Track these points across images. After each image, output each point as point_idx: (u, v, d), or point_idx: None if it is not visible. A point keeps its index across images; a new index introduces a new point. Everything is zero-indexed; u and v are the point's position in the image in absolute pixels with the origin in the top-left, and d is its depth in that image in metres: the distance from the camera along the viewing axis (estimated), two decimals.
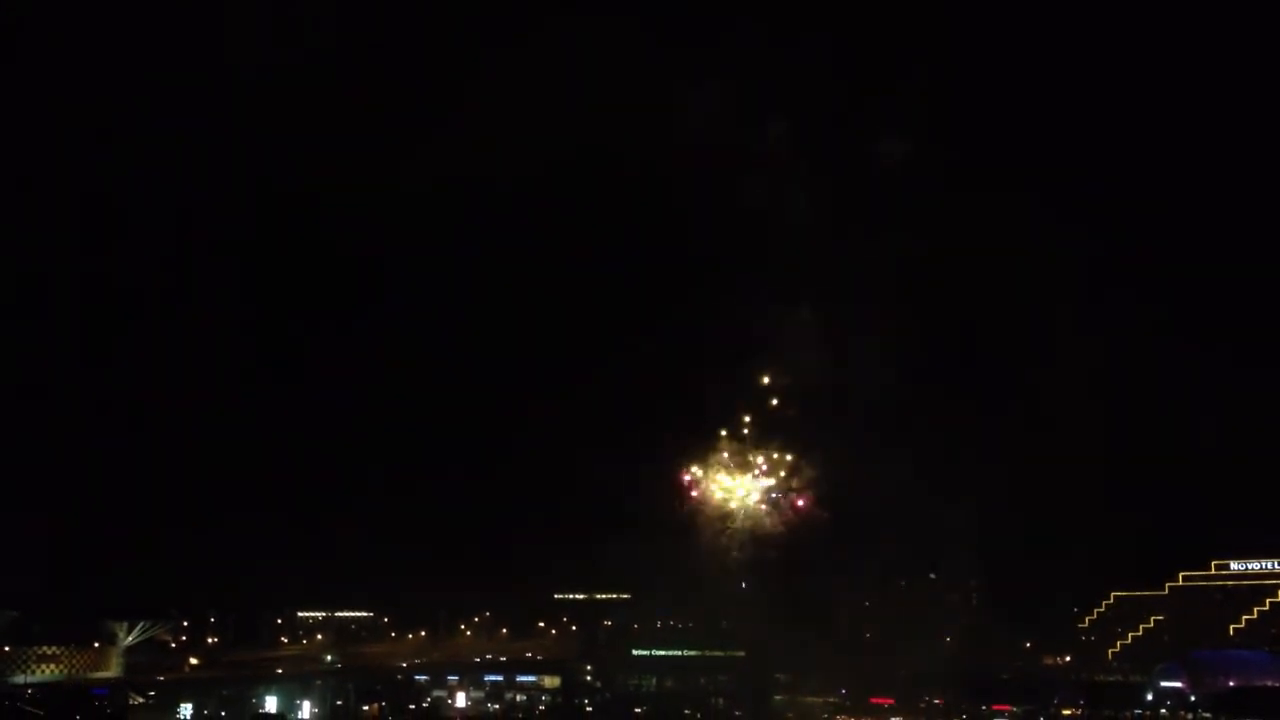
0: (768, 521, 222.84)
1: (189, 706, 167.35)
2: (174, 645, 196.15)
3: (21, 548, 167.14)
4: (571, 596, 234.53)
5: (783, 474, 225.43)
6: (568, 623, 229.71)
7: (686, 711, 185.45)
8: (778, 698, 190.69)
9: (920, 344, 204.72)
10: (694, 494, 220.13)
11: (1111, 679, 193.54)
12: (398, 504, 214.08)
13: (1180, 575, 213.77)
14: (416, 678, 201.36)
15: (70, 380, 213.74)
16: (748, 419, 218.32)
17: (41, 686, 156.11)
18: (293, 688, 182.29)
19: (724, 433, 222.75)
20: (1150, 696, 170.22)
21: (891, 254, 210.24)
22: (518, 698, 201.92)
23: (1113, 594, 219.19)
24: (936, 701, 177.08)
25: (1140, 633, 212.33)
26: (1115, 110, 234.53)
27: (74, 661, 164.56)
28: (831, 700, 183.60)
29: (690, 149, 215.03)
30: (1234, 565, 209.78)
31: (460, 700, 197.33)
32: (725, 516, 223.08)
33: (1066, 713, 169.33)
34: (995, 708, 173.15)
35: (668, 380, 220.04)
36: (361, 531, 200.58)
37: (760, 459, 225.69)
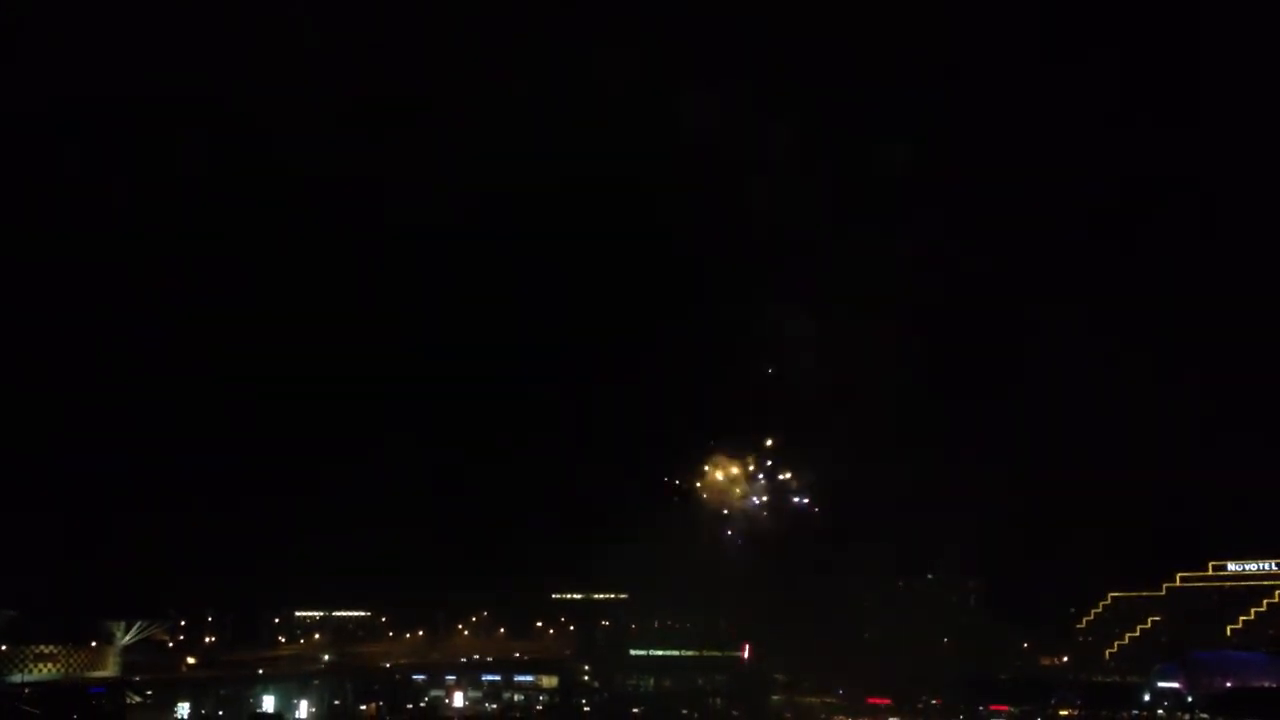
0: (766, 522, 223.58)
1: (186, 706, 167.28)
2: (171, 645, 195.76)
3: (19, 547, 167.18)
4: (569, 596, 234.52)
5: (782, 475, 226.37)
6: (565, 623, 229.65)
7: (684, 711, 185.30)
8: (775, 698, 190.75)
9: (920, 346, 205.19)
10: (692, 495, 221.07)
11: (1109, 679, 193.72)
12: (396, 504, 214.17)
13: (1178, 576, 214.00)
14: (414, 677, 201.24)
15: (68, 379, 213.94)
16: (748, 420, 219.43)
17: (39, 685, 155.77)
18: (290, 687, 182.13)
19: (724, 434, 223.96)
20: (1147, 697, 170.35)
21: (894, 256, 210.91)
22: (515, 697, 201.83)
23: (1110, 594, 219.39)
24: (934, 702, 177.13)
25: (1138, 633, 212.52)
26: (1116, 110, 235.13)
27: (71, 661, 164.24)
28: (829, 700, 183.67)
29: (691, 150, 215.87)
30: (1231, 566, 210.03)
31: (458, 700, 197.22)
32: (724, 517, 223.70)
33: (1064, 713, 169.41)
34: (993, 708, 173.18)
35: (668, 380, 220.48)
36: (359, 531, 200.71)
37: (759, 460, 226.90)
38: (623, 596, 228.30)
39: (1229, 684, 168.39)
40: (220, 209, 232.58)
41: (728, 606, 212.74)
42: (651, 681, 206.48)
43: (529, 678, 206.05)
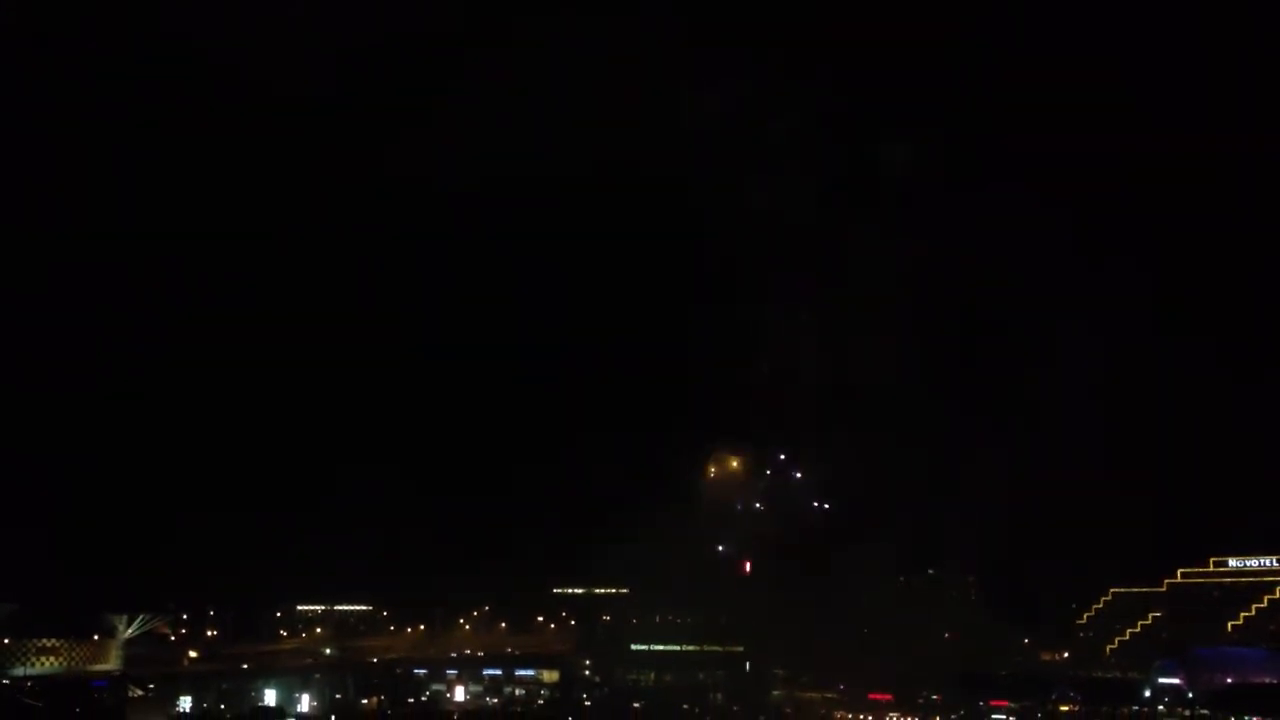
0: (767, 519, 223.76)
1: (188, 699, 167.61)
2: (173, 638, 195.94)
3: (22, 541, 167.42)
4: (570, 591, 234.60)
5: (783, 472, 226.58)
6: (566, 617, 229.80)
7: (685, 706, 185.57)
8: (776, 693, 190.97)
9: (921, 343, 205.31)
10: (693, 491, 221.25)
11: (1109, 675, 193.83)
12: (397, 498, 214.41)
13: (1178, 572, 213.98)
14: (415, 672, 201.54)
15: (68, 376, 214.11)
16: (749, 417, 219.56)
17: (41, 679, 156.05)
18: (292, 681, 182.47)
19: (725, 431, 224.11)
20: (1148, 693, 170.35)
21: (895, 255, 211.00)
22: (516, 692, 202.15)
23: (1111, 590, 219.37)
24: (934, 697, 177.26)
25: (1138, 629, 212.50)
26: (1119, 111, 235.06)
27: (73, 654, 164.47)
28: (830, 696, 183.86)
29: (695, 150, 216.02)
30: (1232, 562, 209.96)
31: (459, 694, 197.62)
32: (725, 513, 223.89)
33: (1064, 709, 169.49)
34: (993, 704, 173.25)
35: (670, 378, 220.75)
36: (361, 525, 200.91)
37: (760, 457, 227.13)
38: (624, 591, 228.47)
39: (1229, 680, 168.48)
40: (221, 208, 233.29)
41: (728, 602, 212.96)
42: (652, 676, 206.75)
43: (530, 672, 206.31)
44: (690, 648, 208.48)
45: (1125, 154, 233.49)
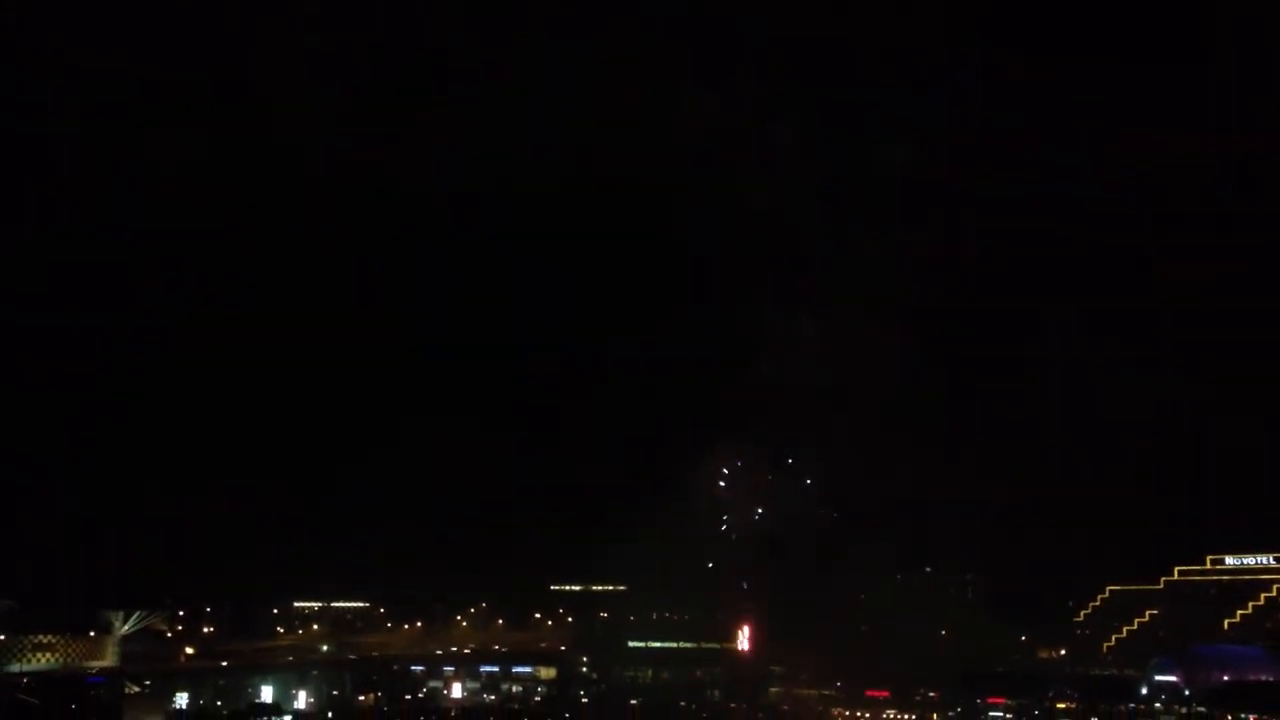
0: (765, 517, 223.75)
1: (184, 696, 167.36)
2: (170, 635, 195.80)
3: (18, 537, 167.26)
4: (568, 588, 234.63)
5: (782, 471, 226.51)
6: (564, 614, 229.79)
7: (682, 703, 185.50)
8: (773, 690, 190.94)
9: (920, 342, 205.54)
10: (692, 488, 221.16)
11: (1106, 673, 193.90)
12: (395, 495, 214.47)
13: (1176, 570, 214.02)
14: (412, 668, 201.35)
15: (65, 371, 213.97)
16: (748, 416, 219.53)
17: (37, 675, 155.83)
18: (289, 678, 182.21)
19: (724, 429, 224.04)
20: (1145, 691, 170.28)
21: (894, 255, 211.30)
22: (514, 688, 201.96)
23: (1108, 588, 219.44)
24: (932, 695, 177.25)
25: (1135, 627, 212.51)
26: (1121, 110, 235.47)
27: (70, 650, 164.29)
28: (827, 693, 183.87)
29: (693, 148, 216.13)
30: (1229, 560, 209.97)
31: (456, 691, 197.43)
32: (723, 511, 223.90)
33: (1061, 706, 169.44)
34: (990, 701, 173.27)
35: (669, 376, 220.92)
36: (358, 522, 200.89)
37: (760, 456, 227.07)
38: (621, 588, 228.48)
39: (1226, 678, 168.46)
40: (221, 207, 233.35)
41: (726, 599, 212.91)
42: (650, 673, 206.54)
43: (527, 669, 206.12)
44: (688, 645, 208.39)
45: (1123, 153, 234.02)
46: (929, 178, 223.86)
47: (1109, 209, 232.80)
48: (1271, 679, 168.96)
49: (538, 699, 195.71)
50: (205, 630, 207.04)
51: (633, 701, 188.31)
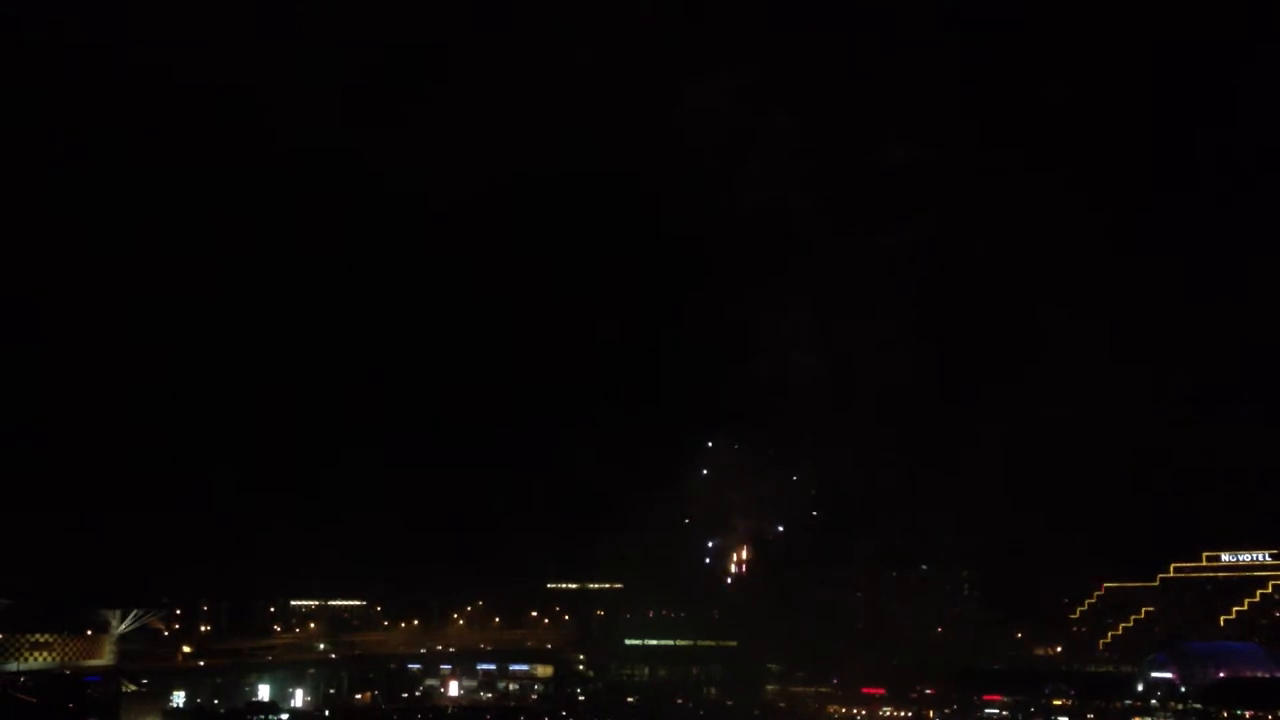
0: (762, 514, 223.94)
1: (181, 694, 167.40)
2: (167, 634, 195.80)
3: (15, 536, 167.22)
4: (565, 586, 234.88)
5: (778, 468, 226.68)
6: (560, 612, 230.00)
7: (679, 701, 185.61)
8: (769, 687, 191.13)
9: (917, 340, 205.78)
10: (689, 486, 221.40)
11: (1102, 670, 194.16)
12: (392, 494, 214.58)
13: (1171, 567, 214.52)
14: (409, 667, 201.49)
15: (61, 371, 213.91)
16: (746, 412, 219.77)
17: (34, 674, 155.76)
18: (286, 676, 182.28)
19: (721, 426, 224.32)
20: (1140, 687, 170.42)
21: (892, 250, 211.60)
22: (510, 687, 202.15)
23: (1104, 585, 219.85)
24: (928, 691, 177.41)
25: (1131, 624, 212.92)
26: (1123, 110, 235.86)
27: (67, 649, 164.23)
28: (823, 690, 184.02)
29: (695, 149, 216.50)
30: (1225, 557, 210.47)
31: (453, 689, 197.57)
32: (720, 509, 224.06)
33: (1057, 703, 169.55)
34: (986, 698, 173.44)
35: (666, 375, 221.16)
36: (355, 521, 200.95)
37: (756, 452, 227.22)
38: (618, 586, 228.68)
39: (1222, 674, 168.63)
40: (217, 204, 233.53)
41: (722, 597, 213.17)
42: (646, 671, 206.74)
43: (524, 667, 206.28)
44: (684, 642, 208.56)
45: (1120, 152, 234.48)
46: (929, 173, 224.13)
47: (1106, 205, 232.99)
48: (1267, 675, 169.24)
49: (534, 697, 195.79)
50: (202, 629, 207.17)
51: (629, 699, 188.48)
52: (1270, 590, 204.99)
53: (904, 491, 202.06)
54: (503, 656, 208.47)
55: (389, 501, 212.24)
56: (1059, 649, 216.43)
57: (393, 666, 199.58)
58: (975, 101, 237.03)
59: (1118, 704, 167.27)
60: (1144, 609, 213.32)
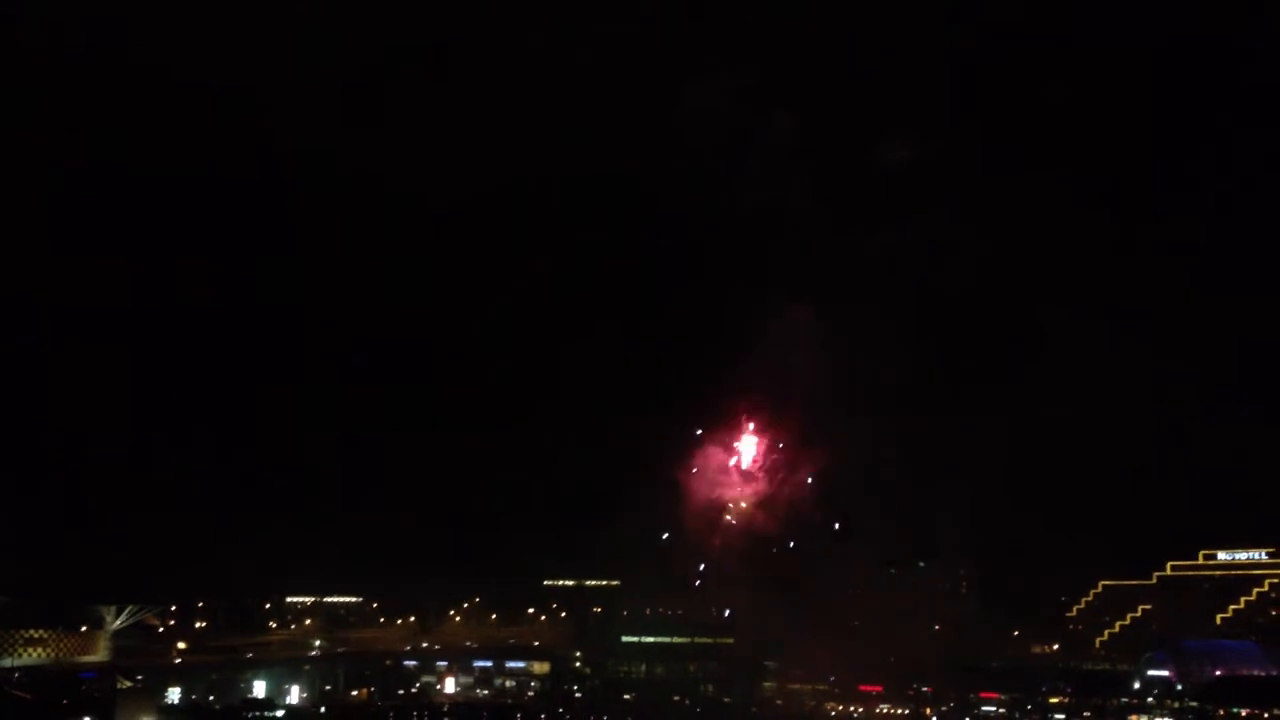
0: (759, 510, 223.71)
1: (177, 691, 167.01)
2: (162, 630, 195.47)
3: (10, 532, 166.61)
4: (561, 583, 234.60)
5: (776, 464, 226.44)
6: (557, 609, 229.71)
7: (676, 698, 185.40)
8: (766, 685, 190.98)
9: (915, 338, 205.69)
10: (686, 483, 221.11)
11: (1099, 668, 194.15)
12: (388, 490, 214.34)
13: (1168, 565, 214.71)
14: (405, 663, 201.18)
15: (58, 368, 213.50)
16: (741, 410, 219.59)
17: (29, 670, 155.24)
18: (281, 673, 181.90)
19: (718, 423, 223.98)
20: (1137, 685, 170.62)
21: (890, 245, 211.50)
22: (507, 684, 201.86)
23: (1101, 583, 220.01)
24: (925, 689, 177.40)
25: (1128, 622, 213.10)
26: (1123, 109, 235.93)
27: (62, 645, 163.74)
28: (820, 687, 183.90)
29: (690, 148, 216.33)
30: (1221, 555, 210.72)
31: (449, 686, 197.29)
32: (717, 505, 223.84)
33: (1054, 701, 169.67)
34: (983, 695, 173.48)
35: (664, 369, 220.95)
36: (351, 517, 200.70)
37: (754, 449, 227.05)
38: (615, 583, 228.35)
39: (1218, 673, 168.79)
40: (213, 202, 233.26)
41: (720, 594, 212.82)
42: (643, 668, 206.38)
43: (520, 664, 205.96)
44: (681, 639, 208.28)
45: (1113, 152, 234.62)
46: (926, 170, 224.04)
47: (1104, 203, 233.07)
48: (1263, 673, 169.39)
49: (531, 694, 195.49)
50: (198, 625, 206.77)
51: (626, 696, 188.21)
52: (1267, 589, 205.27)
53: (903, 490, 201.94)
54: (499, 653, 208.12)
55: (386, 498, 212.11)
56: (1056, 647, 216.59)
57: (389, 663, 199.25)
58: (975, 101, 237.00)
59: (1114, 702, 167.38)
60: (1141, 607, 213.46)
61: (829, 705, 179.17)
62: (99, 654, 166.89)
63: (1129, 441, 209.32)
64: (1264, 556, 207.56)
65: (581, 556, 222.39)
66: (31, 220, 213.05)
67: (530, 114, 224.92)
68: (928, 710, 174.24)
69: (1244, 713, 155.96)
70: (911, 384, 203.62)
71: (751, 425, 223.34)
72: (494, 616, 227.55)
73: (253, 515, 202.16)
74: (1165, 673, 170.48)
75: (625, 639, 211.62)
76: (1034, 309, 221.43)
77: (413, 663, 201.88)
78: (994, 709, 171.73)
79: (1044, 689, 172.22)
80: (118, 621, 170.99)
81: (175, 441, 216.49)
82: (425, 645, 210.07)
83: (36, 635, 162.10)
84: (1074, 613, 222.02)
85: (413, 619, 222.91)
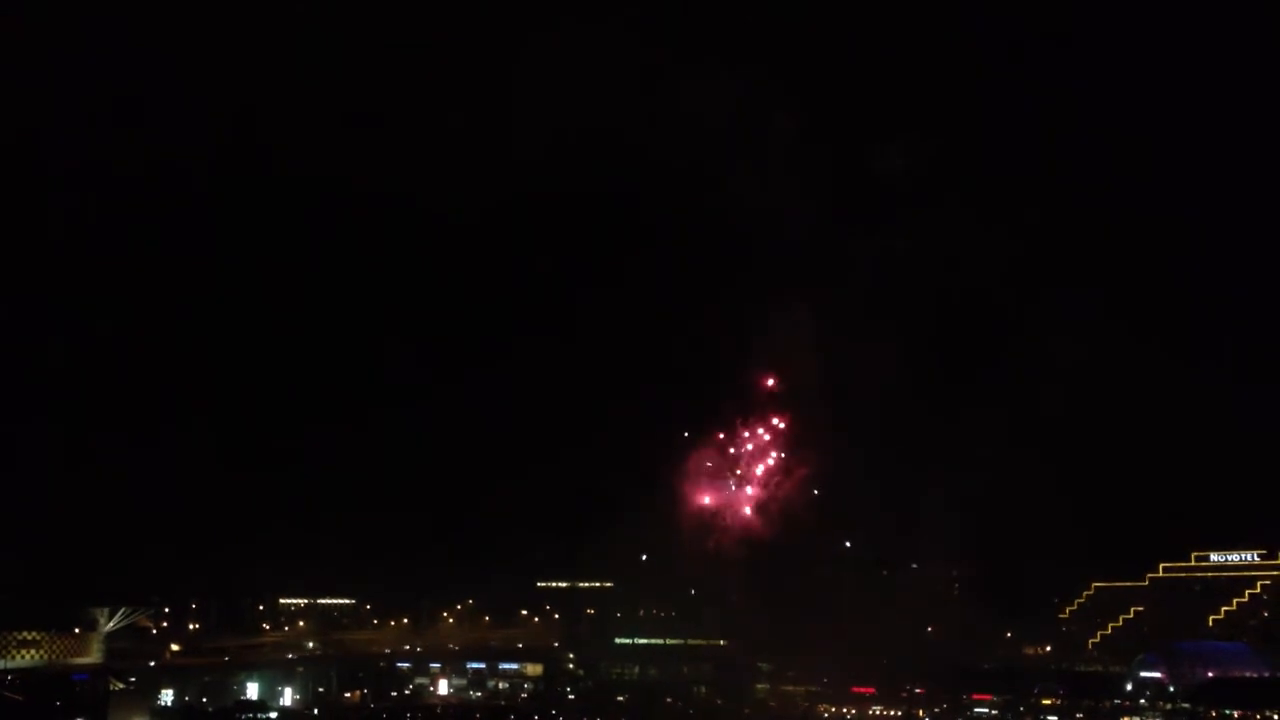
0: (752, 513, 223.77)
1: (170, 693, 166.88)
2: (155, 632, 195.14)
3: (3, 533, 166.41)
4: (555, 585, 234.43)
5: (768, 466, 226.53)
6: (550, 611, 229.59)
7: (669, 700, 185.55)
8: (759, 686, 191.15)
9: (907, 340, 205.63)
10: (678, 484, 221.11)
11: (1091, 669, 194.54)
12: (381, 492, 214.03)
13: (1160, 566, 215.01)
14: (398, 665, 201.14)
15: (53, 369, 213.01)
16: (733, 412, 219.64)
17: (21, 672, 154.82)
18: (274, 675, 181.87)
19: (711, 425, 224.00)
20: (1129, 686, 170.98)
21: (881, 249, 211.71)
22: (500, 685, 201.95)
23: (1093, 585, 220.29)
24: (918, 691, 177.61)
25: (1120, 623, 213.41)
26: (1116, 115, 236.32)
27: (54, 647, 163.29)
28: (813, 689, 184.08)
29: (688, 147, 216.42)
30: (1214, 557, 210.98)
31: (442, 688, 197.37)
32: (710, 508, 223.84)
33: (1046, 702, 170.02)
34: (976, 697, 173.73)
35: (656, 371, 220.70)
36: (344, 519, 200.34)
37: (746, 451, 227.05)
38: (608, 585, 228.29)
39: (1211, 674, 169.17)
40: (207, 200, 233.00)
41: (713, 596, 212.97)
42: (636, 670, 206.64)
43: (514, 666, 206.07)
44: (674, 641, 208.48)
45: (1114, 150, 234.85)
46: (918, 178, 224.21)
47: (1101, 202, 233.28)
48: (1256, 675, 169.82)
49: (524, 696, 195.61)
50: (191, 627, 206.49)
51: (620, 698, 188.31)
52: (1259, 590, 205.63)
53: (895, 491, 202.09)
54: (493, 655, 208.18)
55: (379, 500, 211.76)
56: (1048, 648, 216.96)
57: (382, 665, 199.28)
58: (975, 100, 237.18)
59: (1107, 703, 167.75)
60: (1133, 609, 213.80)
61: (822, 707, 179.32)
62: (92, 656, 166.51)
63: (1121, 442, 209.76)
64: (1256, 558, 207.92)
65: (575, 558, 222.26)
66: (31, 220, 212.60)
67: (530, 114, 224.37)
68: (920, 712, 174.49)
69: (1236, 714, 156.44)
70: (904, 384, 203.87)
71: (746, 428, 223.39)
72: (487, 618, 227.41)
73: (246, 517, 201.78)
74: (1157, 674, 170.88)
75: (618, 641, 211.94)
76: (1027, 310, 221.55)
77: (406, 664, 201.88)
78: (986, 710, 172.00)
79: (1036, 690, 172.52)
80: (111, 623, 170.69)
81: (169, 444, 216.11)
82: (419, 647, 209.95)
83: (29, 637, 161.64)
84: (1066, 614, 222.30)
85: (406, 621, 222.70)
